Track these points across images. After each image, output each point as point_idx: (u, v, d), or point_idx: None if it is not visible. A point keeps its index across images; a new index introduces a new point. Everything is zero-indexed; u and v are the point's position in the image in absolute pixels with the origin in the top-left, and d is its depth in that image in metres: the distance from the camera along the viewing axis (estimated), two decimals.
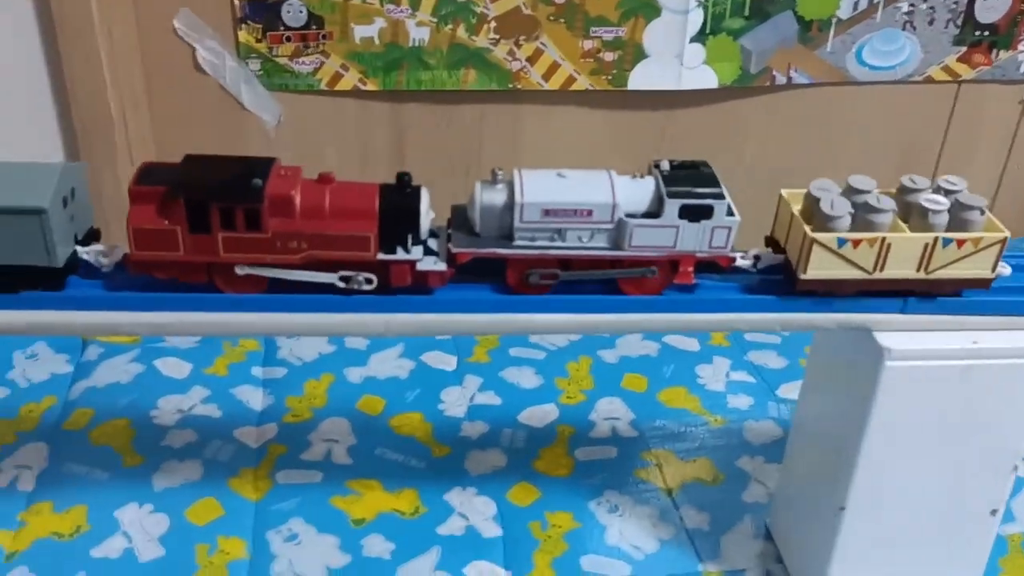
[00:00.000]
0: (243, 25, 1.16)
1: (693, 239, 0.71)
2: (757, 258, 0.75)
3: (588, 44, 1.21)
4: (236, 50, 1.18)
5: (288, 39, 1.18)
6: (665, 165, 0.72)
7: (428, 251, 0.71)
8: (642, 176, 0.72)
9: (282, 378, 1.13)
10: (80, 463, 0.99)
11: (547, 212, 0.69)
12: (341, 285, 0.70)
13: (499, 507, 0.96)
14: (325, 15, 1.17)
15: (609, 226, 0.70)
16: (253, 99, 1.21)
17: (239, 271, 0.68)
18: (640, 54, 1.22)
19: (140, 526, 0.92)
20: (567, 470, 1.01)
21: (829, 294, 0.73)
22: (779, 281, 0.75)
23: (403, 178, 0.69)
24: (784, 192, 0.76)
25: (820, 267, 0.71)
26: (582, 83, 1.23)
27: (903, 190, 0.75)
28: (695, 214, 0.70)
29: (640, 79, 1.24)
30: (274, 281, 0.69)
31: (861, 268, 0.71)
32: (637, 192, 0.71)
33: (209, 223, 0.66)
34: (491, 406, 1.10)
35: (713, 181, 0.70)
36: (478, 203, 0.70)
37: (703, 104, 1.29)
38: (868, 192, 0.73)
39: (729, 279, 0.75)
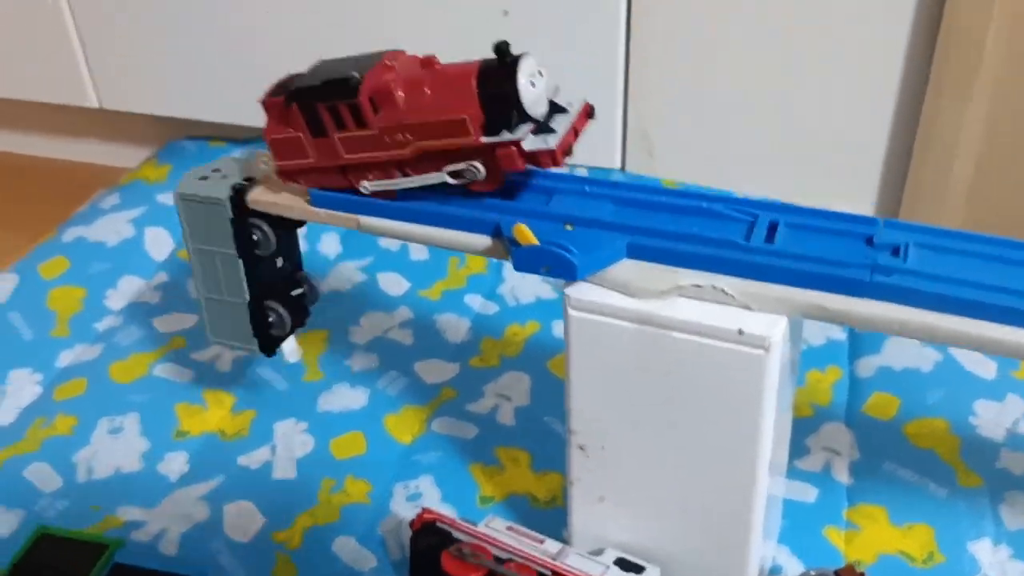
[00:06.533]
0: None
1: None
2: None
3: None
4: None
5: None
6: None
7: (546, 129, 0.61)
8: None
9: None
10: (901, 465, 0.80)
11: None
12: (452, 182, 0.63)
13: None
14: None
15: None
16: None
17: (363, 190, 0.66)
18: None
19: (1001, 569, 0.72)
20: None
21: None
22: None
23: (500, 48, 0.60)
24: None
25: None
26: None
27: None
28: None
29: None
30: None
31: None
32: None
33: (324, 125, 0.64)
34: None
35: None
36: None
37: None
38: None
39: None
